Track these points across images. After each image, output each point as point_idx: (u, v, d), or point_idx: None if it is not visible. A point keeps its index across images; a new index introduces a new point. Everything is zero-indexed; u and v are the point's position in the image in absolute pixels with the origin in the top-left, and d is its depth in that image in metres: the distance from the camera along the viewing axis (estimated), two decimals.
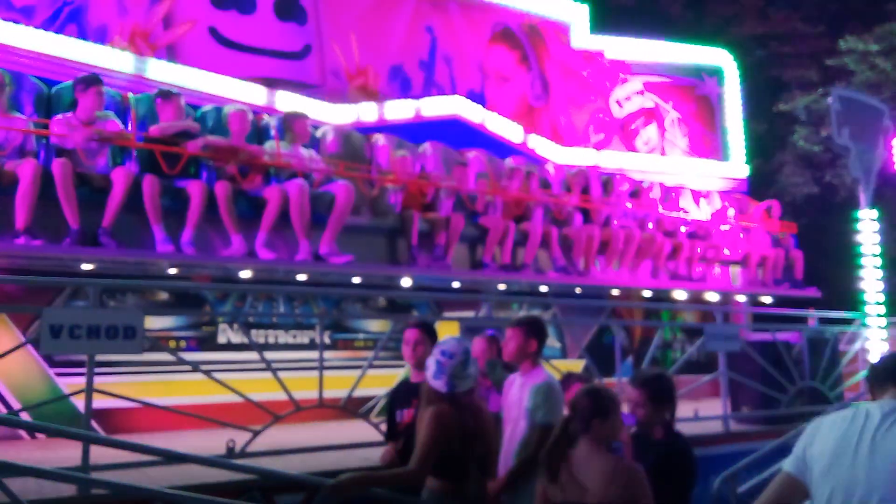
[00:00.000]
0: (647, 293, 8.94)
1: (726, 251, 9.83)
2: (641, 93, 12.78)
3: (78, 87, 5.58)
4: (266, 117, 7.05)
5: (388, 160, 7.59)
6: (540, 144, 10.41)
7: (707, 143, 13.28)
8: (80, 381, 3.96)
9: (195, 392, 5.44)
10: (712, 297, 9.63)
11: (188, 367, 4.60)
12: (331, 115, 8.56)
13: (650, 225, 9.32)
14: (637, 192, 9.66)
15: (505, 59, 11.52)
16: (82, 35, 7.83)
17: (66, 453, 4.22)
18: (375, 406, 5.44)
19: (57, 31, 7.59)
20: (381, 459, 3.90)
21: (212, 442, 4.43)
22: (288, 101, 8.35)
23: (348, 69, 9.82)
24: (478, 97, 11.06)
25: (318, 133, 7.44)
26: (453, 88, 10.83)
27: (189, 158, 5.83)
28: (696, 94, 13.29)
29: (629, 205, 9.25)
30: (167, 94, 6.05)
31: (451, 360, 3.24)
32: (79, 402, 5.42)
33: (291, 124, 6.56)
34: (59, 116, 5.57)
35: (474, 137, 8.98)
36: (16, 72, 5.97)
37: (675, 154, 12.93)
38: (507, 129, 9.71)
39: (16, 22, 7.41)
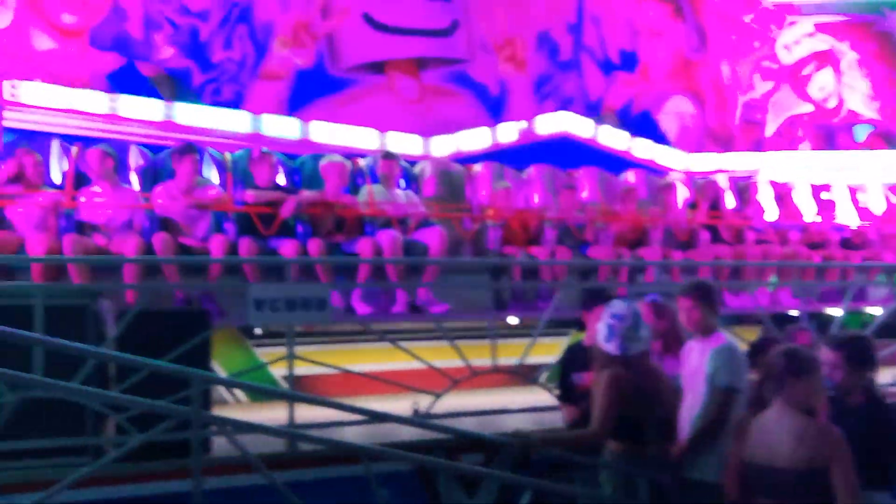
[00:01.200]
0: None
1: None
2: (812, 35, 11.74)
3: (174, 156, 5.74)
4: (361, 161, 6.88)
5: (488, 193, 7.22)
6: (662, 153, 9.49)
7: (893, 84, 11.99)
8: (274, 351, 4.35)
9: (378, 360, 5.78)
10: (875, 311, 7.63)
11: (372, 337, 4.90)
12: (430, 148, 8.18)
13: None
14: (782, 196, 8.30)
15: (657, 13, 11.02)
16: (251, 33, 8.42)
17: (264, 416, 4.66)
18: (546, 371, 5.53)
19: (230, 32, 8.24)
20: (564, 421, 3.98)
21: (394, 406, 4.72)
22: (398, 142, 8.06)
23: (495, 41, 9.84)
24: (629, 56, 10.70)
25: (416, 169, 7.27)
26: (603, 50, 10.54)
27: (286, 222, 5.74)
28: (875, 31, 12.01)
29: (769, 216, 7.96)
30: (261, 154, 6.09)
31: (622, 322, 3.25)
32: (275, 371, 5.99)
33: (383, 167, 6.36)
34: (160, 187, 5.69)
35: (587, 154, 8.43)
36: (122, 141, 6.26)
37: (854, 100, 11.79)
38: (622, 140, 9.00)
39: (195, 26, 8.13)
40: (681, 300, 3.61)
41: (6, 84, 6.42)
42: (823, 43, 11.75)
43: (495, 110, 9.55)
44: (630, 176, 8.26)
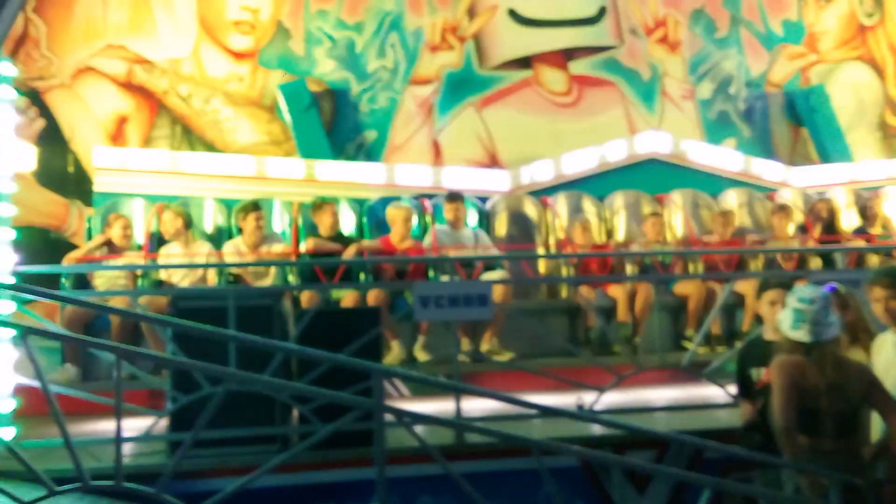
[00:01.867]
0: None
1: None
2: None
3: (239, 214, 5.93)
4: (427, 203, 6.85)
5: (565, 228, 6.95)
6: (768, 168, 8.37)
7: None
8: None
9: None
10: None
11: None
12: (502, 182, 7.78)
13: None
14: None
15: None
16: (402, 40, 8.72)
17: (427, 408, 4.78)
18: (716, 366, 5.28)
19: (382, 41, 8.57)
20: (742, 419, 3.79)
21: (555, 401, 4.69)
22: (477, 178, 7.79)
23: (645, 24, 9.50)
24: (794, 27, 9.92)
25: (488, 206, 7.12)
26: (764, 22, 9.85)
27: (347, 266, 5.82)
28: None
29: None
30: (319, 203, 6.18)
31: (812, 305, 3.03)
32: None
33: (448, 208, 6.26)
34: (229, 244, 5.92)
35: (678, 175, 7.75)
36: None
37: None
38: (719, 156, 8.15)
39: (351, 38, 8.54)
40: (874, 289, 3.31)
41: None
42: None
43: (647, 95, 9.24)
44: (729, 197, 7.55)
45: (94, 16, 8.00)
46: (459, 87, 8.77)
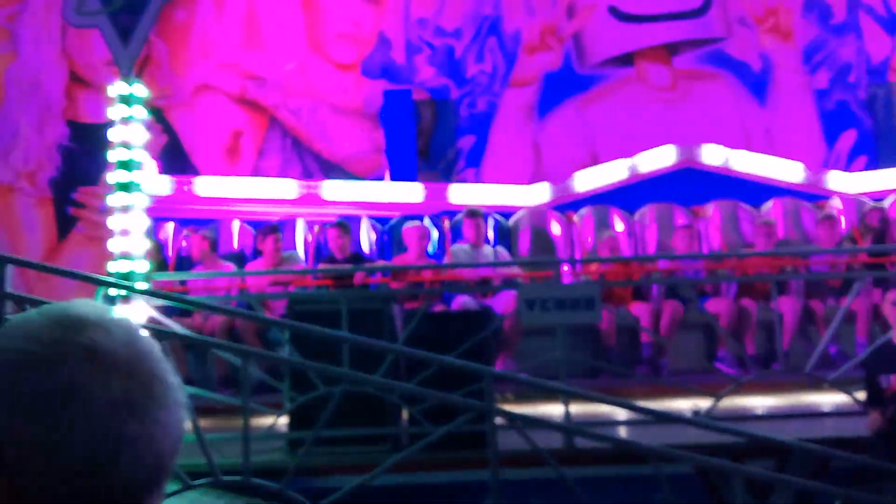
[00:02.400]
0: None
1: None
2: None
3: (258, 237, 5.95)
4: (447, 221, 6.70)
5: (591, 244, 6.59)
6: (821, 176, 7.53)
7: None
8: None
9: None
10: None
11: None
12: (527, 197, 7.39)
13: None
14: None
15: None
16: (501, 44, 8.74)
17: (532, 411, 4.75)
18: (844, 373, 4.96)
19: (481, 45, 8.63)
20: (869, 427, 3.56)
21: (668, 407, 4.56)
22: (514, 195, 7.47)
23: (755, 12, 9.09)
24: None
25: (511, 223, 6.88)
26: (887, 5, 9.19)
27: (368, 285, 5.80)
28: None
29: None
30: (338, 225, 6.15)
31: None
32: None
33: (467, 226, 6.08)
34: (250, 264, 6.03)
35: (717, 185, 7.13)
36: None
37: None
38: (765, 164, 7.37)
39: (450, 45, 8.64)
40: None
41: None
42: None
43: (758, 88, 8.82)
44: (773, 207, 6.92)
45: (210, 36, 8.49)
46: (559, 87, 8.70)
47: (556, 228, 7.09)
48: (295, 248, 6.59)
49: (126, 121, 4.16)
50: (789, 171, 7.49)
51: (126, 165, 4.15)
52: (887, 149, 8.67)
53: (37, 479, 0.65)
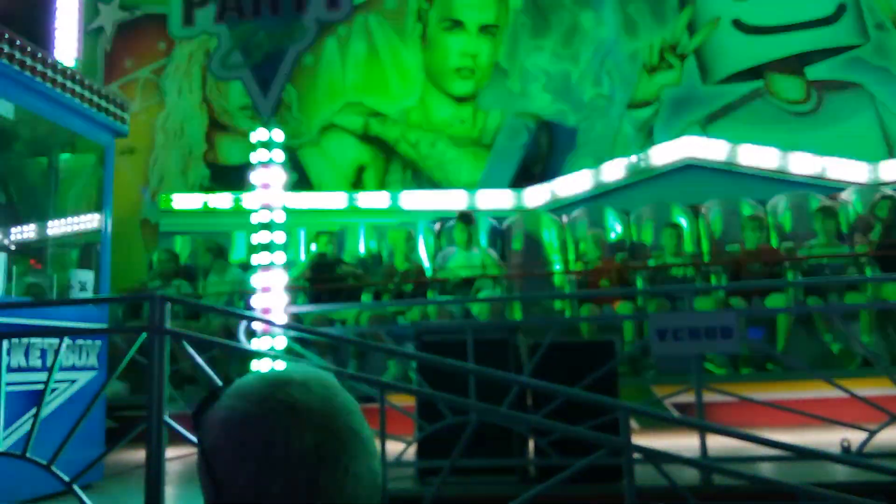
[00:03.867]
0: None
1: None
2: None
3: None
4: (439, 224, 6.88)
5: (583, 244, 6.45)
6: (831, 165, 7.09)
7: None
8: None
9: (793, 389, 5.32)
10: None
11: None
12: (525, 199, 7.45)
13: None
14: None
15: None
16: (617, 65, 8.61)
17: (661, 444, 4.58)
18: None
19: (598, 69, 8.55)
20: None
21: (815, 440, 4.25)
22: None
23: (894, 15, 8.47)
24: None
25: (504, 225, 6.82)
26: None
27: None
28: None
29: None
30: (318, 234, 6.50)
31: None
32: (666, 401, 5.90)
33: (458, 229, 6.23)
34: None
35: (721, 181, 6.94)
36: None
37: None
38: (770, 157, 7.05)
39: (566, 70, 8.61)
40: None
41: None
42: None
43: None
44: (779, 202, 6.54)
45: (335, 79, 8.94)
46: (681, 106, 8.46)
47: (548, 230, 7.10)
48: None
49: (266, 164, 4.45)
50: (798, 164, 7.21)
51: (268, 207, 4.43)
52: None
53: None
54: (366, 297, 6.23)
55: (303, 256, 7.21)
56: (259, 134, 4.49)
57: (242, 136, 4.81)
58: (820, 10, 8.46)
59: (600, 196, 7.38)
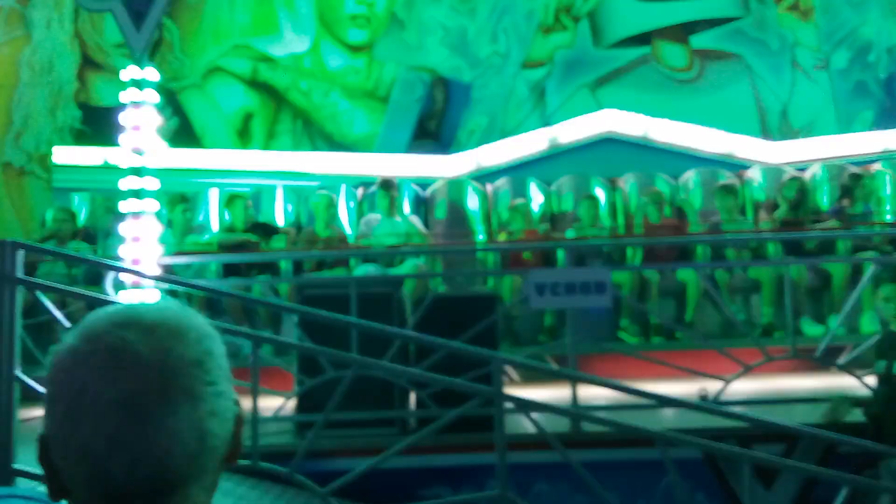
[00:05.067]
0: None
1: None
2: None
3: (170, 206, 5.96)
4: (360, 190, 6.80)
5: (506, 213, 6.63)
6: (740, 144, 7.54)
7: None
8: None
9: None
10: None
11: None
12: (447, 166, 7.43)
13: None
14: None
15: None
16: (514, 24, 8.63)
17: (539, 395, 4.76)
18: (854, 356, 4.92)
19: (495, 26, 8.54)
20: None
21: (677, 390, 4.54)
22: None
23: None
24: None
25: (427, 193, 6.88)
26: None
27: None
28: None
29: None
30: (231, 197, 6.19)
31: None
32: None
33: (381, 196, 6.14)
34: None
35: (638, 156, 7.19)
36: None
37: None
38: (684, 134, 7.41)
39: (463, 26, 8.55)
40: None
41: None
42: None
43: (777, 67, 8.67)
44: (689, 177, 6.95)
45: (222, 17, 8.46)
46: (573, 68, 8.60)
47: (472, 199, 7.13)
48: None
49: (137, 105, 4.16)
50: (710, 141, 7.53)
51: (137, 150, 4.16)
52: None
53: (61, 468, 0.68)
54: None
55: (216, 222, 6.80)
56: (131, 72, 4.18)
57: (119, 75, 4.46)
58: None
59: (522, 166, 7.39)
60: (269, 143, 8.34)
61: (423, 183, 7.27)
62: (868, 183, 6.53)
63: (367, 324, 3.25)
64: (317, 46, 8.53)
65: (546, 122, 8.49)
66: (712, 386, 4.44)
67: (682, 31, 8.65)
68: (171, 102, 8.14)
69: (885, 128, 7.92)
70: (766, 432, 3.79)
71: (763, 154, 7.56)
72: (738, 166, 7.37)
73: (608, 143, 7.38)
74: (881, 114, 8.59)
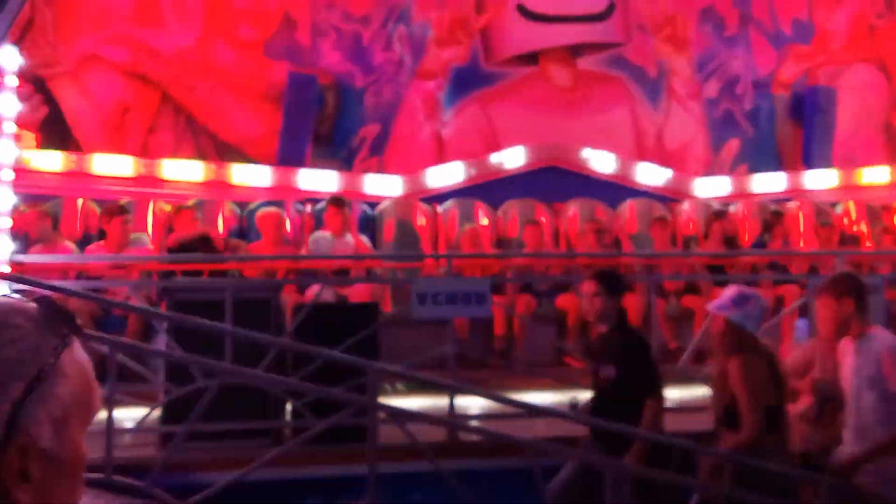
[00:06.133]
0: None
1: None
2: None
3: (103, 218, 5.70)
4: (309, 207, 6.76)
5: (454, 236, 6.85)
6: (671, 178, 8.13)
7: None
8: None
9: None
10: None
11: None
12: (394, 187, 7.55)
13: None
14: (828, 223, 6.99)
15: None
16: (409, 34, 8.67)
17: (422, 404, 4.77)
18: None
19: (389, 34, 8.54)
20: None
21: (559, 398, 4.68)
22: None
23: (654, 21, 9.44)
24: (803, 26, 9.85)
25: (377, 211, 6.99)
26: (774, 23, 9.77)
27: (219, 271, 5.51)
28: None
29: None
30: (178, 209, 6.04)
31: (756, 302, 3.13)
32: None
33: (330, 214, 6.04)
34: (92, 247, 5.72)
35: (581, 184, 7.66)
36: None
37: None
38: (624, 167, 7.99)
39: (357, 31, 8.51)
40: (818, 300, 3.28)
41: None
42: None
43: (654, 93, 9.19)
44: (628, 208, 7.46)
45: (101, 3, 7.98)
46: (465, 82, 8.73)
47: (421, 220, 7.18)
48: (145, 231, 6.39)
49: None
50: (647, 175, 8.07)
51: None
52: (767, 157, 9.24)
53: None
54: None
55: (152, 236, 6.37)
56: None
57: None
58: (593, 5, 9.16)
59: (469, 189, 7.53)
60: (147, 138, 7.93)
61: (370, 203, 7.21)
62: (785, 219, 7.13)
63: (241, 331, 3.13)
64: (204, 41, 8.21)
65: (439, 134, 8.58)
66: (583, 396, 4.60)
67: (568, 53, 8.99)
68: (41, 90, 7.59)
69: (750, 157, 8.63)
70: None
71: (693, 189, 8.12)
72: (670, 200, 7.86)
73: (551, 171, 7.69)
74: (746, 143, 9.28)
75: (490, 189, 7.59)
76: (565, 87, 8.98)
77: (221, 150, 8.02)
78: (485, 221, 7.16)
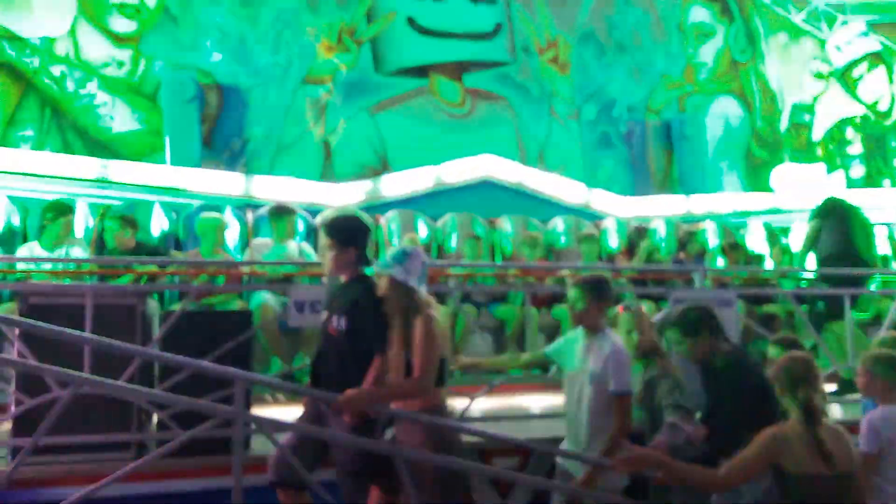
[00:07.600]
0: None
1: None
2: (865, 35, 11.40)
3: (47, 214, 5.47)
4: (250, 214, 6.74)
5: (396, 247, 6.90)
6: (599, 198, 8.56)
7: None
8: None
9: None
10: None
11: None
12: (340, 196, 7.48)
13: None
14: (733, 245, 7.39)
15: (705, 14, 10.86)
16: (297, 38, 8.55)
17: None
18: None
19: (276, 37, 8.40)
20: None
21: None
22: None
23: (538, 43, 9.82)
24: (674, 57, 10.57)
25: (318, 220, 7.18)
26: (648, 51, 10.42)
27: (152, 277, 5.36)
28: None
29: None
30: (120, 218, 5.71)
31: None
32: None
33: (279, 218, 5.95)
34: (24, 249, 5.48)
35: (514, 200, 8.02)
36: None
37: None
38: (553, 184, 8.43)
39: (242, 32, 8.28)
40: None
41: None
42: (876, 43, 11.41)
43: (536, 113, 9.54)
44: (557, 223, 7.89)
45: None
46: (354, 90, 8.72)
47: None
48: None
49: None
50: (571, 192, 8.46)
51: None
52: (640, 179, 9.81)
53: None
54: None
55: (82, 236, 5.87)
56: None
57: None
58: (482, 24, 9.42)
59: (409, 201, 7.60)
60: (7, 130, 7.37)
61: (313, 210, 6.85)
62: (699, 238, 7.62)
63: (100, 339, 2.97)
64: (75, 30, 7.74)
65: (325, 140, 8.50)
66: (460, 403, 4.69)
67: (456, 69, 9.18)
68: None
69: (627, 176, 9.17)
70: (503, 447, 4.08)
71: (614, 208, 8.51)
72: (596, 216, 8.21)
73: (487, 186, 7.91)
74: (620, 163, 9.82)
75: (430, 201, 7.67)
76: (453, 101, 9.16)
77: (91, 147, 7.56)
78: (423, 232, 7.23)
